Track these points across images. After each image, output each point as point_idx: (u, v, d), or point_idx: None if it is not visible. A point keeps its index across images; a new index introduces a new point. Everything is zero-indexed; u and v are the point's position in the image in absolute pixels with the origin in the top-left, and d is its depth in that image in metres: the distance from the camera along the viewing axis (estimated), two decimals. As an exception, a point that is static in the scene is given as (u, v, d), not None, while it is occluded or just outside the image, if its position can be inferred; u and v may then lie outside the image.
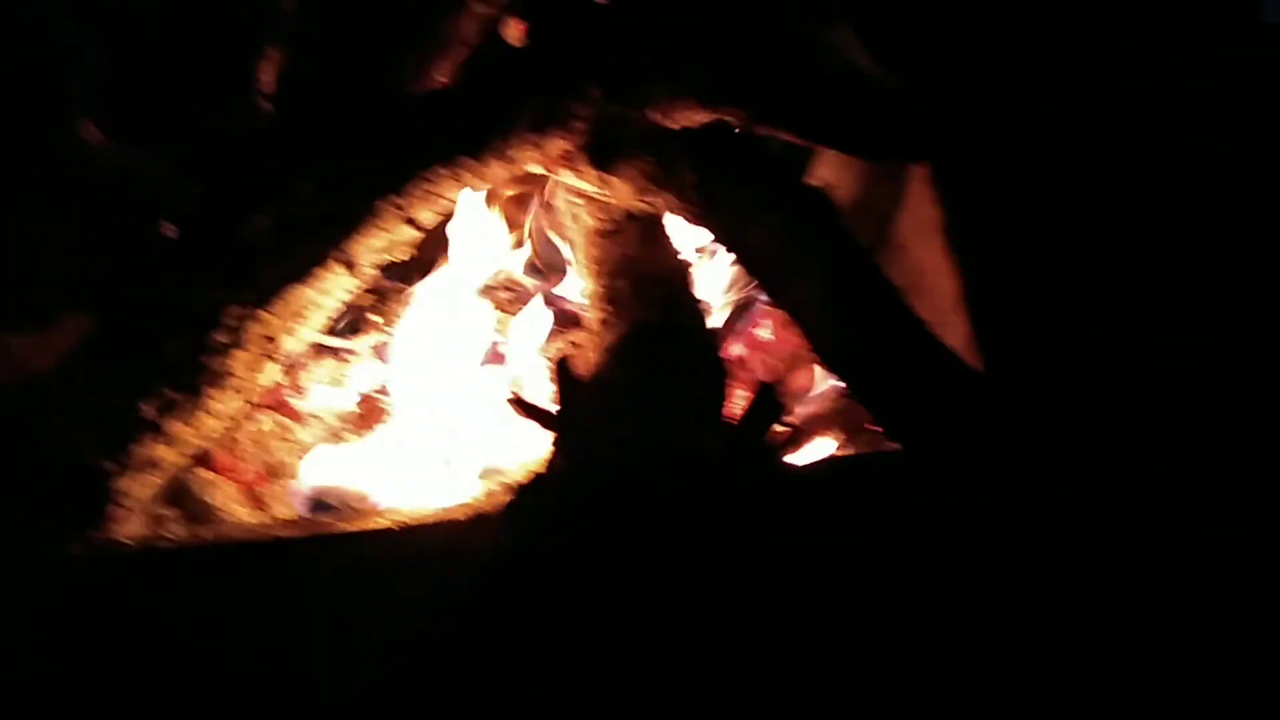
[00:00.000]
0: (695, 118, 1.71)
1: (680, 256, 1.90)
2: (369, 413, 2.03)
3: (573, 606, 1.21)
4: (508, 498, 1.37)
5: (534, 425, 1.36)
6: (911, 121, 1.78)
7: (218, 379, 1.56)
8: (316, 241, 1.61)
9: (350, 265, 1.63)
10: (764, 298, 2.13)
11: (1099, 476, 1.44)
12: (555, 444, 1.42)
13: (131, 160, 1.92)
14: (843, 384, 1.71)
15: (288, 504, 1.86)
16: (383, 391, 2.05)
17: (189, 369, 1.54)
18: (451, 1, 1.93)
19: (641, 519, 1.27)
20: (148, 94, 2.25)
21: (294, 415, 2.02)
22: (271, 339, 1.60)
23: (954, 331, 1.75)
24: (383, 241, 1.66)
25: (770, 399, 1.31)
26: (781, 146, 1.83)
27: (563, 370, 1.32)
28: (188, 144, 2.01)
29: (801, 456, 1.79)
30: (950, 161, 1.83)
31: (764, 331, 2.12)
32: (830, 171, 2.00)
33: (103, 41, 2.14)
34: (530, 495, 1.34)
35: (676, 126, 1.73)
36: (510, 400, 1.32)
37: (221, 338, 1.56)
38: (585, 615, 1.20)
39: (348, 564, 1.53)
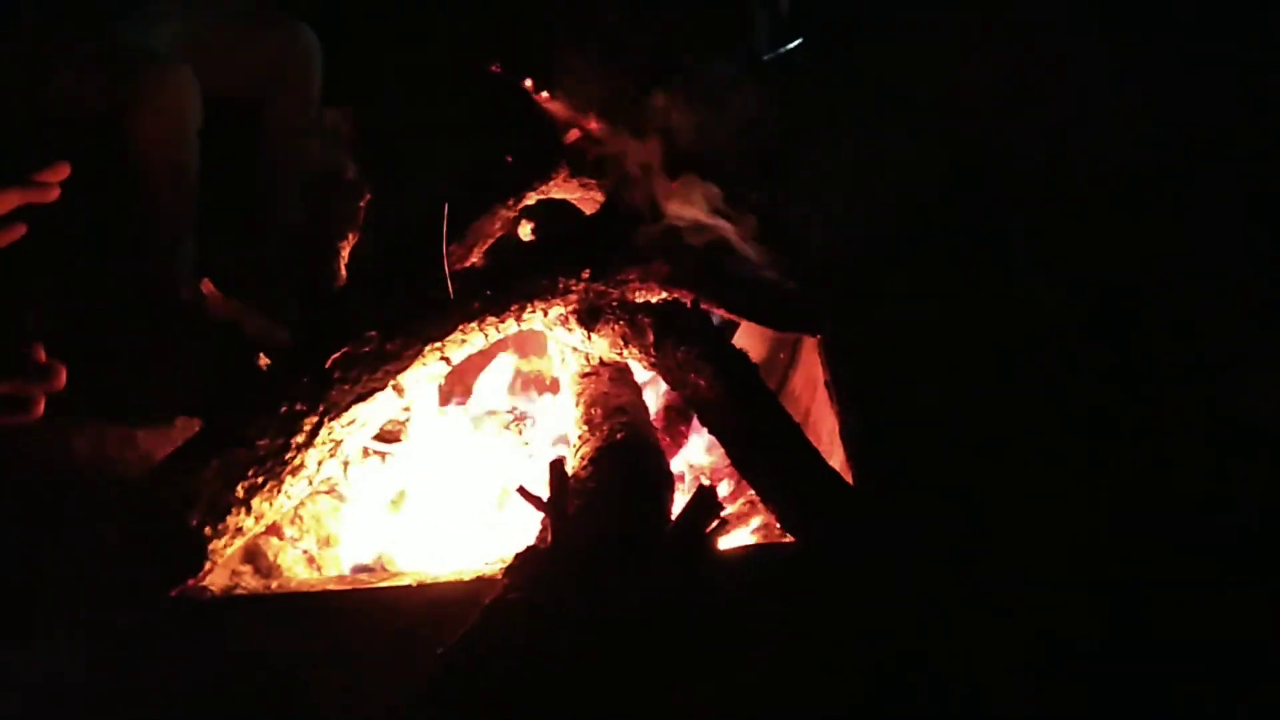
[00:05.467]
0: (656, 295, 1.75)
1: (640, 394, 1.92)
2: (402, 499, 2.01)
3: (555, 645, 1.19)
4: (507, 564, 1.35)
5: (531, 510, 1.35)
6: (809, 307, 1.83)
7: (294, 470, 1.56)
8: (376, 372, 1.62)
9: (399, 390, 1.65)
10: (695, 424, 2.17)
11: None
12: (545, 525, 1.42)
13: (239, 312, 1.93)
14: (754, 491, 1.72)
15: (336, 565, 1.82)
16: (412, 484, 2.04)
17: (273, 461, 1.54)
18: (481, 207, 2.01)
19: (609, 585, 1.27)
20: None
21: (342, 499, 1.99)
22: (337, 443, 1.60)
23: (834, 459, 1.79)
24: (423, 373, 1.68)
25: (709, 499, 1.32)
26: (716, 320, 1.87)
27: (556, 470, 1.33)
28: (284, 300, 2.05)
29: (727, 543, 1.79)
30: (834, 335, 1.89)
31: (695, 450, 2.13)
32: (746, 339, 2.05)
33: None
34: (525, 562, 1.33)
35: (642, 301, 1.76)
36: (517, 489, 1.32)
37: (299, 439, 1.56)
38: (565, 651, 1.18)
39: (379, 611, 1.51)
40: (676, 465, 2.00)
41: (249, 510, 1.51)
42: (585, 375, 1.90)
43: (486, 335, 1.70)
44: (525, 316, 1.71)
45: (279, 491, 1.54)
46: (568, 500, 1.34)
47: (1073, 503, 1.59)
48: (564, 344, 1.94)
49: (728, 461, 1.77)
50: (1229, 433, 1.68)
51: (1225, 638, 1.39)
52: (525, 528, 1.60)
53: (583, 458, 1.66)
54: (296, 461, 1.55)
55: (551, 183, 2.14)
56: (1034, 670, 1.34)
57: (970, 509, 1.58)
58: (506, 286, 1.70)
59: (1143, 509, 1.58)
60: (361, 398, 1.60)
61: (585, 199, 2.19)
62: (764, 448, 1.62)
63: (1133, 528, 1.54)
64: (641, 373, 1.95)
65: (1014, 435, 1.71)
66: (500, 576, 1.34)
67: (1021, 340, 1.87)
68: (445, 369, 1.70)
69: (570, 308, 1.76)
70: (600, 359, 1.91)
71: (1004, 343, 1.87)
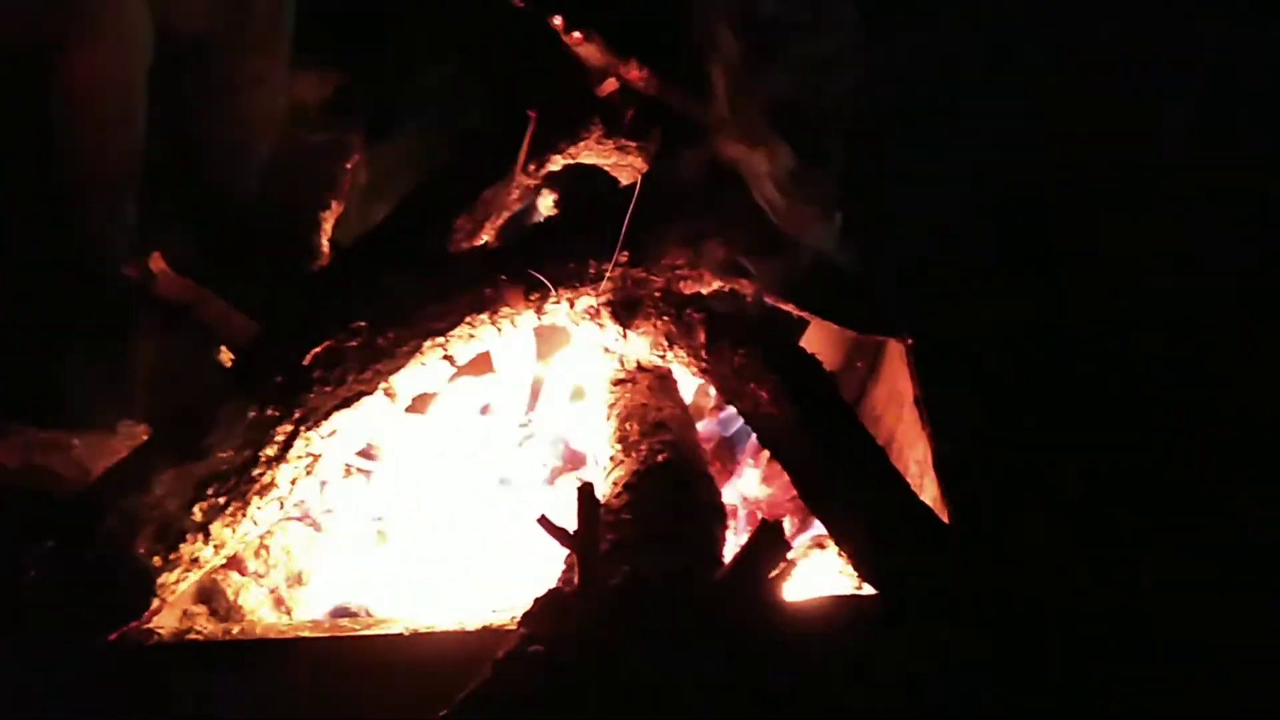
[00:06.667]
0: (710, 285, 1.75)
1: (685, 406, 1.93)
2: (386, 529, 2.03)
3: (582, 713, 1.20)
4: (524, 612, 1.36)
5: (554, 545, 1.36)
6: (899, 303, 1.83)
7: (262, 490, 1.58)
8: (364, 372, 1.64)
9: (392, 395, 1.67)
10: (750, 448, 2.17)
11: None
12: (571, 563, 1.43)
13: (197, 295, 1.94)
14: (824, 531, 1.72)
15: (310, 608, 1.84)
16: (402, 510, 2.06)
17: (238, 478, 1.56)
18: (495, 173, 2.02)
19: (649, 640, 1.27)
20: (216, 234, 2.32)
21: (318, 528, 2.01)
22: (314, 457, 1.62)
23: (925, 493, 1.78)
24: (421, 374, 1.70)
25: (773, 536, 1.31)
26: (780, 315, 1.87)
27: (587, 497, 1.33)
28: (252, 282, 2.07)
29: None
30: (927, 340, 1.88)
31: (749, 481, 2.14)
32: (817, 343, 2.04)
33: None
34: (546, 609, 1.33)
35: (691, 292, 1.77)
36: (539, 519, 1.32)
37: (269, 453, 1.58)
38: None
39: (363, 665, 1.52)
40: (728, 496, 2.00)
41: (207, 538, 1.53)
42: (619, 382, 1.91)
43: (500, 329, 1.70)
44: (547, 308, 1.72)
45: (243, 516, 1.56)
46: (599, 534, 1.34)
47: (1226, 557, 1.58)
48: (594, 343, 1.95)
49: (792, 493, 1.77)
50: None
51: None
52: (546, 567, 1.61)
53: (616, 483, 1.67)
54: (265, 479, 1.57)
55: (582, 144, 2.14)
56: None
57: (1095, 559, 1.58)
58: (525, 271, 1.70)
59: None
60: (346, 403, 1.62)
61: (622, 165, 2.20)
62: (839, 476, 1.61)
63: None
64: (689, 381, 1.95)
65: (1149, 465, 1.71)
66: (515, 626, 1.35)
67: (1159, 350, 1.87)
68: (449, 370, 1.72)
69: (603, 298, 1.77)
70: (638, 363, 1.93)
71: (1138, 353, 1.87)
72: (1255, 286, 1.93)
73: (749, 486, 2.10)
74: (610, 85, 2.13)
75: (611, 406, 1.87)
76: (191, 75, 2.38)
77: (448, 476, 2.07)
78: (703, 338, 1.74)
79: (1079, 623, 1.44)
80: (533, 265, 1.69)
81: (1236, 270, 1.93)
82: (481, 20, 2.41)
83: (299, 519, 1.97)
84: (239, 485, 1.55)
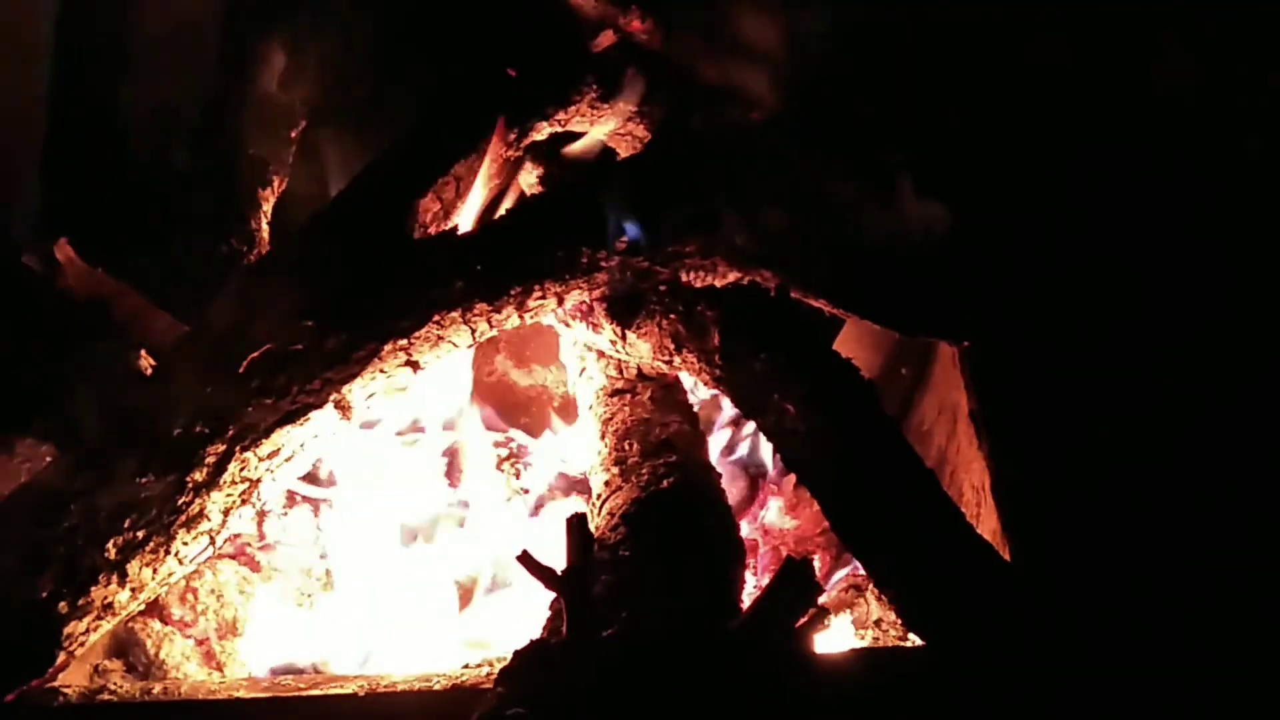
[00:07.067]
0: (725, 278, 1.76)
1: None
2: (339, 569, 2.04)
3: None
4: (501, 666, 1.36)
5: (537, 586, 1.36)
6: (953, 299, 1.84)
7: (189, 522, 1.58)
8: (312, 381, 1.64)
9: (344, 408, 1.67)
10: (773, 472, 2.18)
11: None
12: (556, 609, 1.43)
13: (111, 288, 1.95)
14: (862, 571, 1.73)
15: (244, 662, 1.84)
16: (354, 546, 2.06)
17: (160, 508, 1.55)
18: (466, 145, 2.02)
19: (653, 700, 1.27)
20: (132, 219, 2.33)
21: (255, 567, 2.02)
22: (251, 483, 1.62)
23: (983, 525, 1.79)
24: (380, 384, 1.70)
25: (802, 577, 1.31)
26: (810, 313, 1.87)
27: (579, 528, 1.33)
28: (172, 269, 2.07)
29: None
30: (984, 345, 1.89)
31: (771, 511, 2.14)
32: (854, 346, 2.04)
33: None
34: (528, 663, 1.33)
35: (703, 285, 1.77)
36: (519, 556, 1.33)
37: (197, 477, 1.58)
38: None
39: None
40: (747, 529, 2.01)
41: (123, 579, 1.53)
42: (616, 393, 1.91)
43: (474, 330, 1.70)
44: (530, 304, 1.72)
45: (167, 553, 1.56)
46: (590, 574, 1.34)
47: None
48: (586, 346, 1.96)
49: (823, 525, 1.78)
50: None
51: None
52: (526, 613, 1.62)
53: (611, 513, 1.68)
54: (193, 509, 1.57)
55: (572, 110, 2.14)
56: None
57: (1174, 599, 1.60)
58: (504, 260, 1.70)
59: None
60: (289, 417, 1.62)
61: (621, 136, 2.21)
62: (879, 504, 1.61)
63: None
64: (700, 391, 1.96)
65: (1237, 495, 1.73)
66: (490, 684, 1.35)
67: (1242, 364, 1.90)
68: (411, 377, 1.72)
69: (597, 293, 1.77)
70: (639, 370, 1.93)
71: (1235, 361, 1.89)
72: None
73: (772, 517, 2.10)
74: (607, 39, 2.14)
75: (607, 422, 1.88)
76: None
77: (408, 506, 2.07)
78: (716, 340, 1.75)
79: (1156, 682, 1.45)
80: (511, 253, 1.69)
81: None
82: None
83: (233, 556, 1.98)
84: (161, 516, 1.55)
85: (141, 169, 2.47)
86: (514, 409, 2.38)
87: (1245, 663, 1.52)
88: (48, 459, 1.73)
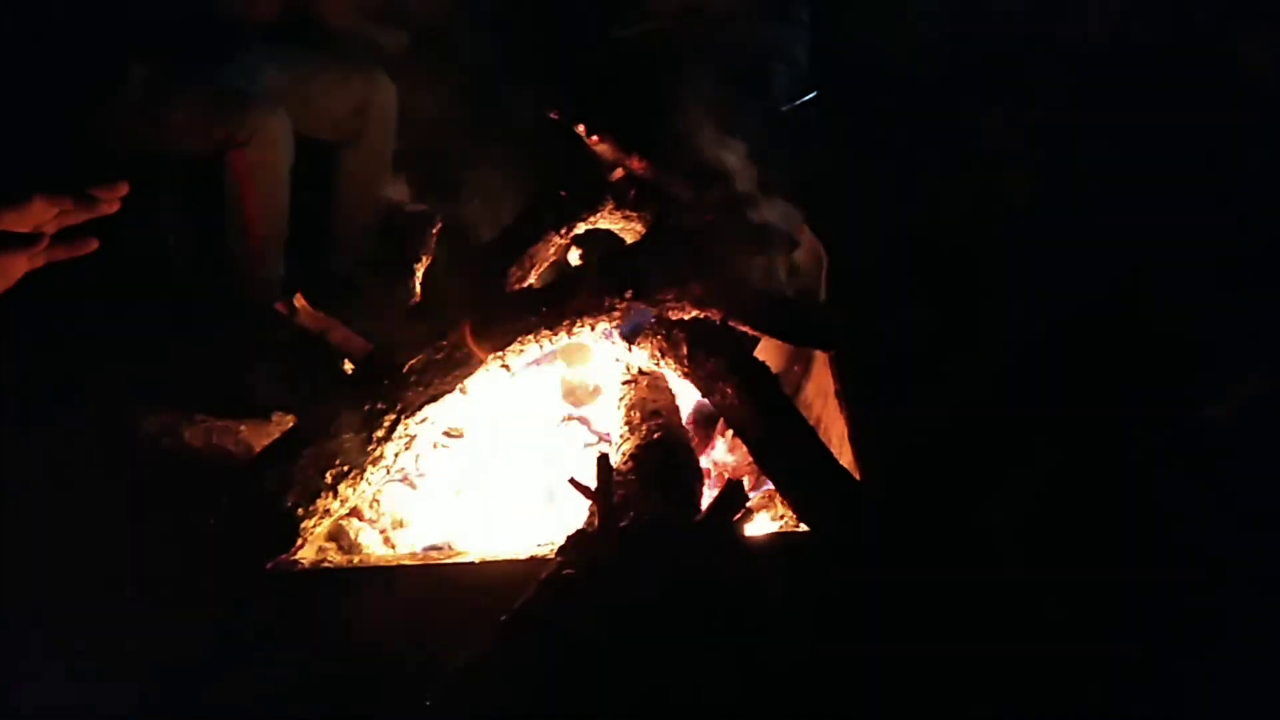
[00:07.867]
0: (690, 313, 1.75)
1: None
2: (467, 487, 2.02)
3: (597, 618, 1.20)
4: (560, 545, 1.36)
5: (580, 498, 1.36)
6: (825, 320, 1.83)
7: (374, 461, 1.58)
8: (446, 376, 1.64)
9: (465, 392, 1.67)
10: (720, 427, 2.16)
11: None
12: (593, 511, 1.43)
13: (328, 324, 1.94)
14: (773, 487, 1.72)
15: (409, 544, 1.84)
16: (475, 474, 2.05)
17: (357, 453, 1.56)
18: (537, 235, 2.03)
19: (648, 563, 1.28)
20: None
21: (414, 486, 2.01)
22: (411, 437, 1.62)
23: (843, 459, 1.78)
24: (488, 378, 1.69)
25: (737, 492, 1.32)
26: (739, 334, 1.86)
27: (602, 465, 1.34)
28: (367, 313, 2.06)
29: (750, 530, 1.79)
30: (844, 350, 1.88)
31: (719, 450, 2.12)
32: (766, 353, 2.03)
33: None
34: (576, 543, 1.34)
35: (677, 318, 1.77)
36: (570, 480, 1.33)
37: (379, 434, 1.58)
38: (607, 623, 1.19)
39: (447, 584, 1.53)
40: (705, 463, 2.00)
41: (336, 495, 1.54)
42: (627, 382, 1.91)
43: (542, 346, 1.70)
44: (575, 330, 1.72)
45: (361, 479, 1.56)
46: (612, 490, 1.35)
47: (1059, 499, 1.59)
48: (609, 355, 1.96)
49: (750, 460, 1.78)
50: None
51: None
52: (575, 514, 1.62)
53: (624, 454, 1.68)
54: (377, 453, 1.57)
55: (598, 215, 2.14)
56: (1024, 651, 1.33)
57: (961, 501, 1.59)
58: (560, 304, 1.70)
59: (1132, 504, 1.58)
60: (433, 398, 1.61)
61: (627, 229, 2.20)
62: (782, 448, 1.62)
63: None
64: (676, 381, 1.96)
65: (1004, 435, 1.72)
66: (554, 556, 1.35)
67: (1014, 347, 1.89)
68: (506, 375, 1.71)
69: (615, 323, 1.76)
70: (640, 368, 1.93)
71: (999, 350, 1.89)
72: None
73: (720, 455, 2.10)
74: (619, 173, 2.14)
75: (621, 399, 1.87)
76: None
77: (507, 449, 2.07)
78: (685, 350, 1.75)
79: (955, 553, 1.44)
80: (564, 300, 1.69)
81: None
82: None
83: (400, 480, 1.97)
84: (358, 458, 1.55)
85: (347, 250, 2.46)
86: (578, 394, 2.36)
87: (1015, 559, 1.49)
88: (290, 426, 1.71)
